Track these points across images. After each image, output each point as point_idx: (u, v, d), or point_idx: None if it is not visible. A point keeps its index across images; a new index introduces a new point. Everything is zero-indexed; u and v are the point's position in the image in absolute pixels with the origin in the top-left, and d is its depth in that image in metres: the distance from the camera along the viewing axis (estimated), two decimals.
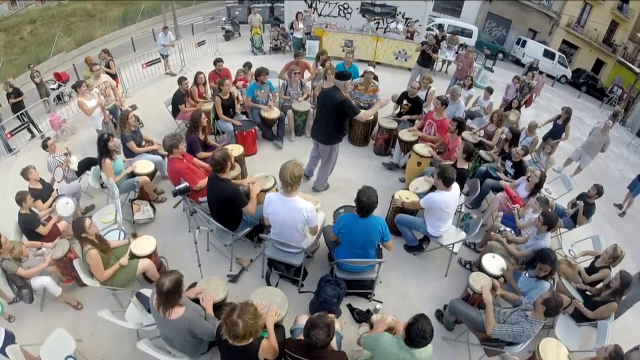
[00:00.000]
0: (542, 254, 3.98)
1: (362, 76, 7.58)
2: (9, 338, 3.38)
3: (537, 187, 5.40)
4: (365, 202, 3.66)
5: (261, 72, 6.87)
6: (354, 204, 3.85)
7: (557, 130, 7.98)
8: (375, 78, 7.83)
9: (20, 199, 4.42)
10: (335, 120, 5.21)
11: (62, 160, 5.66)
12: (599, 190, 5.58)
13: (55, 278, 4.26)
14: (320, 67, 8.12)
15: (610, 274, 4.56)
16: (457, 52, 11.97)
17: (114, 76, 8.81)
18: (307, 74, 8.35)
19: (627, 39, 25.21)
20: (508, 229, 5.03)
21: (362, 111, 5.34)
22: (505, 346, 3.61)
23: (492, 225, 5.19)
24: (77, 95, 6.68)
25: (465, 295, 4.17)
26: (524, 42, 22.77)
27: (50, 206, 4.94)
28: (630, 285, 4.15)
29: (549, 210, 4.87)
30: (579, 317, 4.22)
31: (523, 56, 21.90)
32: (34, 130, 8.35)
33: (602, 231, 6.17)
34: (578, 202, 5.74)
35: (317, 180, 6.01)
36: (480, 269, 4.37)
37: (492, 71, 12.78)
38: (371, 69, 7.50)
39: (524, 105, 10.21)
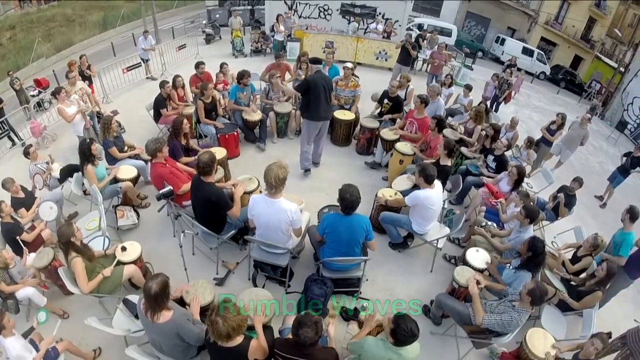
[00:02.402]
0: (534, 241, 3.95)
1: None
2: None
3: (519, 181, 5.50)
4: (349, 199, 3.70)
5: (244, 75, 6.89)
6: (337, 204, 3.88)
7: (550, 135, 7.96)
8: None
9: None
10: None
11: (44, 167, 5.57)
12: (579, 182, 5.72)
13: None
14: (300, 72, 8.15)
15: (593, 262, 4.67)
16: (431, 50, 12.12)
17: (89, 82, 8.70)
18: (288, 76, 8.35)
19: (605, 35, 25.76)
20: (491, 222, 5.12)
21: None
22: (493, 338, 3.65)
23: (476, 219, 5.27)
24: (57, 102, 6.56)
25: (451, 289, 4.23)
26: (503, 40, 23.18)
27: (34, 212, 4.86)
28: (615, 275, 4.26)
29: (530, 203, 4.97)
30: (564, 306, 4.30)
31: (502, 54, 22.31)
32: (15, 138, 8.20)
33: (584, 222, 6.31)
34: (559, 194, 5.86)
35: (315, 153, 6.55)
36: (465, 262, 4.43)
37: (472, 69, 12.98)
38: (349, 64, 7.52)
39: (503, 102, 10.42)
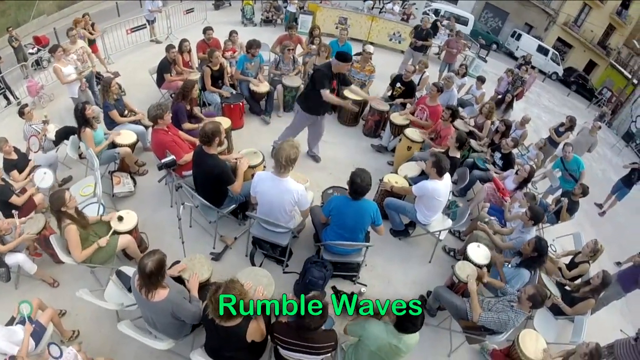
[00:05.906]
0: (540, 242, 3.94)
1: (359, 54, 7.50)
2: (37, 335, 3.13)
3: (525, 181, 5.45)
4: (359, 184, 3.58)
5: (252, 45, 6.65)
6: (341, 185, 3.75)
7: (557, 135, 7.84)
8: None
9: None
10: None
11: (40, 128, 5.35)
12: (584, 190, 5.64)
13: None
14: (312, 46, 7.93)
15: (589, 269, 4.69)
16: (448, 37, 11.80)
17: (92, 42, 8.37)
18: (299, 49, 8.12)
19: (622, 44, 25.30)
20: (494, 219, 5.05)
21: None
22: (487, 335, 3.66)
23: (479, 214, 5.19)
24: (54, 60, 6.23)
25: (450, 283, 4.18)
26: (519, 36, 22.79)
27: (27, 177, 4.64)
28: (609, 285, 4.27)
29: (536, 205, 4.90)
30: (556, 310, 4.31)
31: (517, 49, 21.97)
32: (10, 97, 7.90)
33: (583, 229, 6.29)
34: (563, 198, 5.84)
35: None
36: (465, 257, 4.37)
37: (486, 61, 12.70)
38: (371, 48, 7.37)
39: (514, 98, 10.22)
